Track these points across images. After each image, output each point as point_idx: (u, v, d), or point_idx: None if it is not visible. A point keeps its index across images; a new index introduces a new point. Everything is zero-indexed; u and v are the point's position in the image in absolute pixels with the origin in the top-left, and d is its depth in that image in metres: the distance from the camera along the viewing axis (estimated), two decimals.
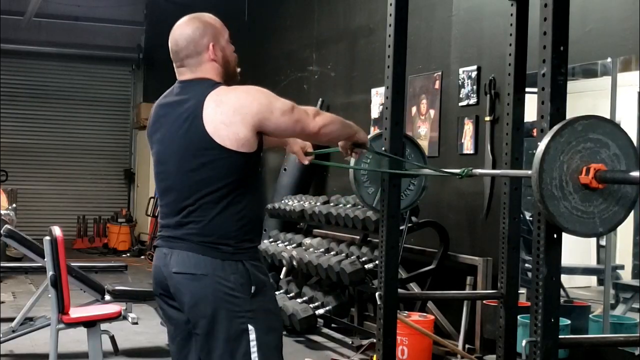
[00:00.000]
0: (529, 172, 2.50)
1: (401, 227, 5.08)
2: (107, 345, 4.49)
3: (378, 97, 6.79)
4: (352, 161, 3.51)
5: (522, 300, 4.43)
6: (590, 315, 4.92)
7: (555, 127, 2.47)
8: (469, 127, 5.64)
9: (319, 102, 7.60)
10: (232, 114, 2.41)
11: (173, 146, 2.51)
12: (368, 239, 6.07)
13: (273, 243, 6.83)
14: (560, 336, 2.64)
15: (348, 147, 2.85)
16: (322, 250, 6.19)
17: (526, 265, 4.88)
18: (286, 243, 6.68)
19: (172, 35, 2.59)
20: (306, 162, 2.91)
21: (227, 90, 2.48)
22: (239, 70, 2.68)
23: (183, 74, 2.59)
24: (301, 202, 6.72)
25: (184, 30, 2.56)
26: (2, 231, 5.38)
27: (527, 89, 3.60)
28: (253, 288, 2.47)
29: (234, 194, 2.47)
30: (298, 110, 2.50)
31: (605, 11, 4.56)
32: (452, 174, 3.13)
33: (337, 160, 7.44)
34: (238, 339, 2.44)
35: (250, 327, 2.44)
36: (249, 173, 2.51)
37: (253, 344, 2.44)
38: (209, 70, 2.56)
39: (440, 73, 6.02)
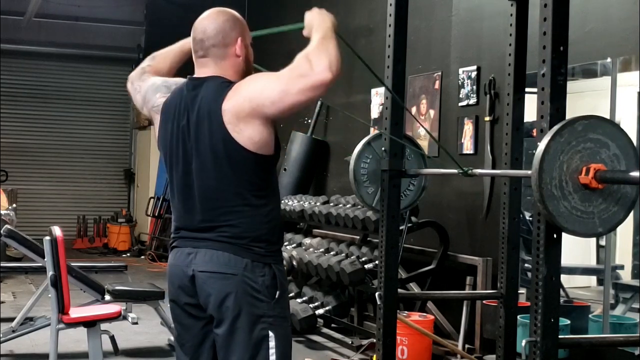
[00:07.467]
0: (529, 172, 2.50)
1: (401, 227, 5.08)
2: (107, 345, 4.48)
3: (378, 97, 6.79)
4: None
5: (522, 300, 4.43)
6: (590, 315, 4.92)
7: (555, 127, 2.47)
8: (468, 127, 5.64)
9: (319, 103, 7.60)
10: (236, 122, 2.36)
11: (195, 151, 2.44)
12: (368, 239, 6.07)
13: None
14: (560, 336, 2.65)
15: None
16: (322, 250, 6.19)
17: (526, 265, 4.88)
18: (286, 243, 6.68)
19: (198, 24, 2.50)
20: None
21: (230, 94, 2.39)
22: None
23: (203, 66, 2.50)
24: (301, 202, 6.71)
25: (214, 20, 2.49)
26: (2, 231, 5.37)
27: (527, 89, 3.60)
28: (277, 293, 2.42)
29: (262, 196, 2.43)
30: (291, 80, 2.34)
31: (605, 11, 4.56)
32: (457, 169, 3.14)
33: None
34: (258, 345, 2.40)
35: (270, 333, 2.40)
36: (272, 175, 2.47)
37: (272, 351, 2.40)
38: (230, 66, 2.48)
39: (440, 73, 6.02)
